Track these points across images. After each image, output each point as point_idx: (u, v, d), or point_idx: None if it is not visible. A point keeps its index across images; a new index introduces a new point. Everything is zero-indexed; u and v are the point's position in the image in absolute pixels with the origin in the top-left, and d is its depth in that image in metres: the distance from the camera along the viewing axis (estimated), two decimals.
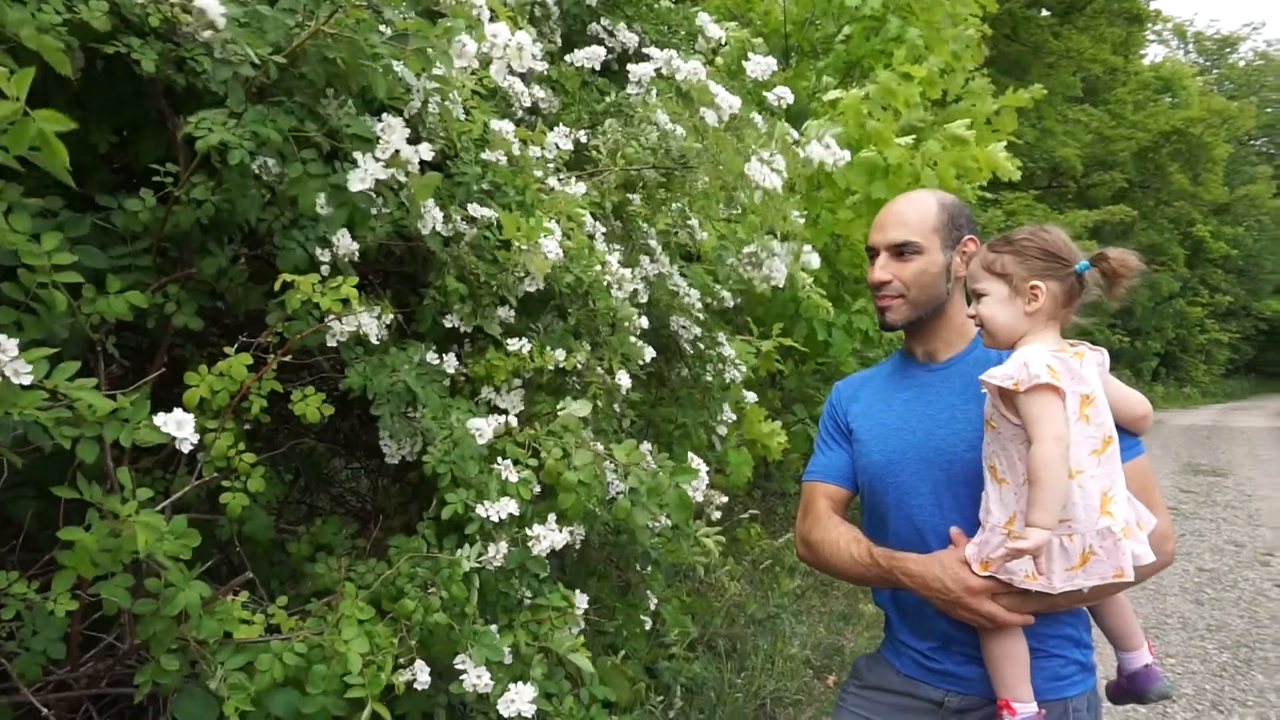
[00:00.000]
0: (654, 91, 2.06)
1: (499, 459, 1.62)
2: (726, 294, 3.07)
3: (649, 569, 2.53)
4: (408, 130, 1.56)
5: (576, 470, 1.56)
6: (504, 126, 1.81)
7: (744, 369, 3.25)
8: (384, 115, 1.59)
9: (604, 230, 2.03)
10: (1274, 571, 6.34)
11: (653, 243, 2.35)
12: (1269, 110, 34.44)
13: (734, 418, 3.24)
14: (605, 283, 1.80)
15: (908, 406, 1.60)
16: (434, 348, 1.79)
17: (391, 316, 1.73)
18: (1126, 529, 1.34)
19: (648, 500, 1.58)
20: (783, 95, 2.12)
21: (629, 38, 2.58)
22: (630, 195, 2.25)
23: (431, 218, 1.65)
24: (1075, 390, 1.34)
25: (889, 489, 1.58)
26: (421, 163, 1.63)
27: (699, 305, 2.57)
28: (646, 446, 2.76)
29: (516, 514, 1.56)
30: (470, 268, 1.71)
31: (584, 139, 2.10)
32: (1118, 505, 1.34)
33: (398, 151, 1.53)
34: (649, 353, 1.91)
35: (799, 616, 4.71)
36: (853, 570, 1.58)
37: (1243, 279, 28.82)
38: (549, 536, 1.59)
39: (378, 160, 1.53)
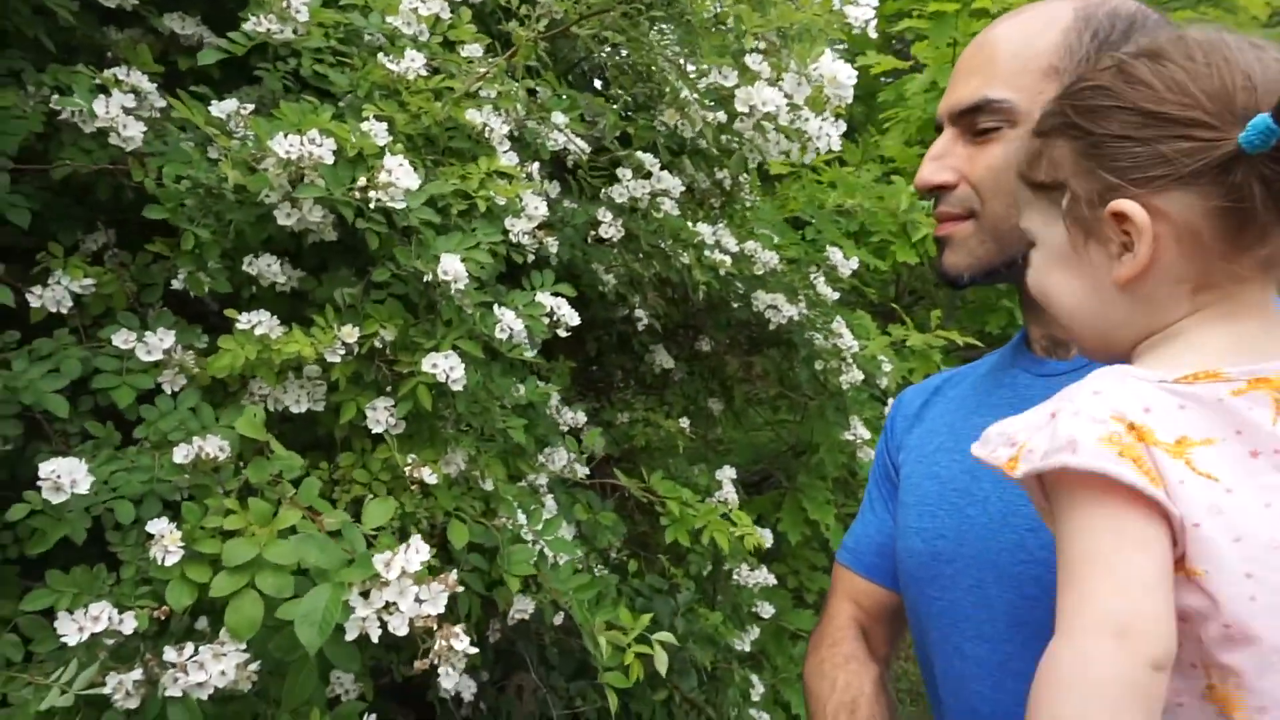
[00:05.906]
0: None
1: (155, 518, 0.95)
2: (840, 256, 2.14)
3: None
4: None
5: (257, 542, 0.87)
6: None
7: (887, 372, 2.31)
8: None
9: (506, 131, 1.27)
10: None
11: (640, 154, 1.55)
12: None
13: (868, 436, 2.31)
14: (396, 203, 1.05)
15: None
16: (167, 324, 1.17)
17: (91, 282, 1.13)
18: None
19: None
20: None
21: None
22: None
23: (114, 106, 1.03)
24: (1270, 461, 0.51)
25: (931, 610, 0.80)
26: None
27: (728, 259, 1.72)
28: (729, 473, 2.00)
29: (130, 631, 0.89)
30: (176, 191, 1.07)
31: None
32: None
33: None
34: (506, 323, 1.13)
35: None
36: None
37: None
38: (210, 666, 0.90)
39: None
